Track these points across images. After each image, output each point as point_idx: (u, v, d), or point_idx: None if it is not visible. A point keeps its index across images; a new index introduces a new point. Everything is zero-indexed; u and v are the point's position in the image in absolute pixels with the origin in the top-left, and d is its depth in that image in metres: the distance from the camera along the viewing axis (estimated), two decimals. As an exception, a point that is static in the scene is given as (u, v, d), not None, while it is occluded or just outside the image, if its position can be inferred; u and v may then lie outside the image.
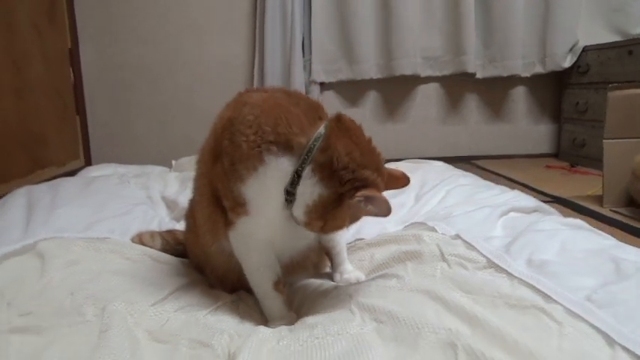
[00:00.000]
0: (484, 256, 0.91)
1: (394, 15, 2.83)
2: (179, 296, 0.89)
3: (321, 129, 0.78)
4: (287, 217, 0.81)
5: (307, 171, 0.76)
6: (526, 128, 3.16)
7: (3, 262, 0.95)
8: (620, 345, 0.61)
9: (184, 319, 0.79)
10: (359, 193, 0.74)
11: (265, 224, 0.82)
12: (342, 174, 0.75)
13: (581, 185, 2.18)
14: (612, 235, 1.12)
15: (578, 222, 1.17)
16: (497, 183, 1.77)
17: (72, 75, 2.77)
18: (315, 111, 0.82)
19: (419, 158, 2.33)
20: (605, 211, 1.75)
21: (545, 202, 1.87)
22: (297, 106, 0.80)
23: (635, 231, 1.51)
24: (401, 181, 0.85)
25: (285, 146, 0.77)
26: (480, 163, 2.95)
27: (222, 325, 0.78)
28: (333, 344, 0.67)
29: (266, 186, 0.78)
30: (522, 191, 1.54)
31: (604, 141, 1.85)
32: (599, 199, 1.85)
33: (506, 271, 0.84)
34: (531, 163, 2.90)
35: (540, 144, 3.18)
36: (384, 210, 0.75)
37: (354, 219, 0.81)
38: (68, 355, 0.66)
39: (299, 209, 0.78)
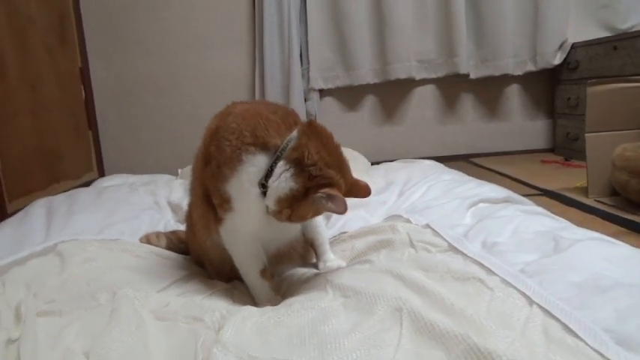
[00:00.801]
0: (446, 240, 1.02)
1: (387, 21, 2.89)
2: (180, 285, 1.01)
3: (295, 132, 0.88)
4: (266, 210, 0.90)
5: (279, 166, 0.85)
6: (522, 125, 3.18)
7: (28, 261, 1.07)
8: (537, 304, 0.71)
9: (183, 302, 0.89)
10: (322, 190, 0.83)
11: (249, 218, 0.92)
12: (310, 170, 0.83)
13: (572, 178, 2.22)
14: (594, 223, 1.17)
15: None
16: (492, 179, 1.81)
17: (83, 92, 2.86)
18: (291, 117, 0.92)
19: (418, 158, 2.37)
20: (589, 202, 1.81)
21: (534, 195, 1.95)
22: (274, 114, 0.90)
23: (616, 219, 1.58)
24: (363, 191, 0.91)
25: (262, 147, 0.87)
26: (477, 160, 2.97)
27: (215, 305, 0.88)
28: (305, 315, 0.78)
29: (246, 182, 0.87)
30: (515, 186, 1.59)
31: (586, 135, 1.92)
32: (585, 191, 1.90)
33: (462, 252, 0.95)
34: (527, 159, 2.93)
35: (536, 140, 3.20)
36: (341, 208, 0.84)
37: (316, 213, 0.89)
38: (85, 330, 0.78)
39: (271, 199, 0.86)
